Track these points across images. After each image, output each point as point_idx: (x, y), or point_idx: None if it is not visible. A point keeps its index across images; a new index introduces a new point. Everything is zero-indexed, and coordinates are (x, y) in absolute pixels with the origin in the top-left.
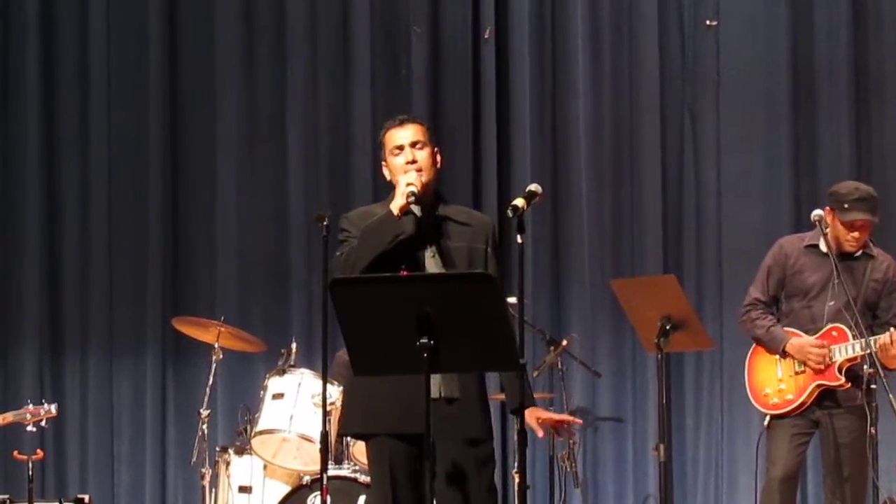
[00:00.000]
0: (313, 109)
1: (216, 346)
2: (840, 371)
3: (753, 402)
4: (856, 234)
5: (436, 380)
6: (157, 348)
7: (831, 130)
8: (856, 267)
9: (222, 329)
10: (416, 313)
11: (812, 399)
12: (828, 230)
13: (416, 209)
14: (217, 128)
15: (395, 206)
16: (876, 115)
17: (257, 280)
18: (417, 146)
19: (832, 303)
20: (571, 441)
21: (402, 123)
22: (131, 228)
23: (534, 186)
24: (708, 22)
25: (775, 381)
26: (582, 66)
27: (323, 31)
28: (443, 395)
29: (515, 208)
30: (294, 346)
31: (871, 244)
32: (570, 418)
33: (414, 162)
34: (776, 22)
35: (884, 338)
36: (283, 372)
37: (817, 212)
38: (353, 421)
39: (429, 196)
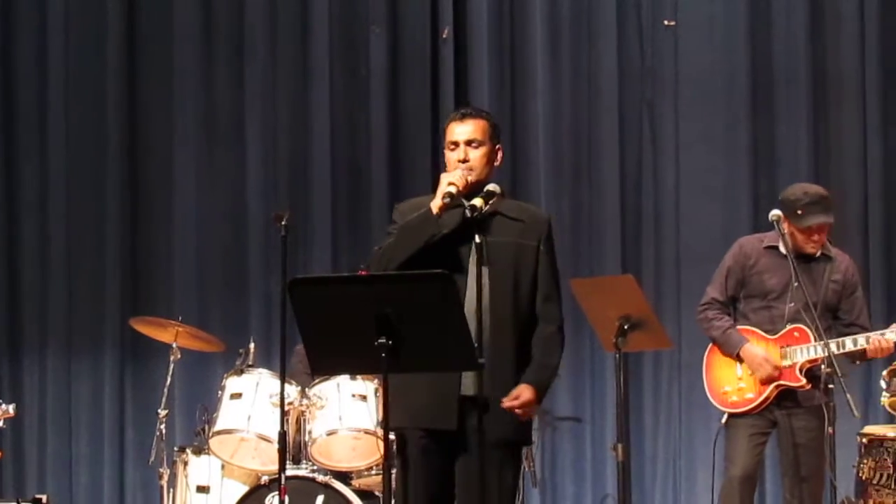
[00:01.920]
0: (272, 109)
1: (174, 345)
2: (801, 372)
3: (712, 399)
4: (815, 237)
5: (469, 378)
6: (116, 348)
7: (789, 130)
8: (815, 269)
9: (180, 329)
10: (375, 313)
11: (772, 398)
12: (785, 232)
13: (469, 203)
14: (175, 128)
15: (434, 205)
16: (834, 115)
17: (215, 280)
18: (473, 145)
19: (792, 304)
20: None
21: (462, 118)
22: (89, 228)
23: (492, 186)
24: (666, 21)
25: (735, 380)
26: (541, 65)
27: (281, 30)
28: (473, 393)
29: (474, 208)
30: (252, 345)
31: (828, 245)
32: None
33: (465, 161)
34: (734, 22)
35: (872, 343)
36: (241, 372)
37: (775, 212)
38: (392, 415)
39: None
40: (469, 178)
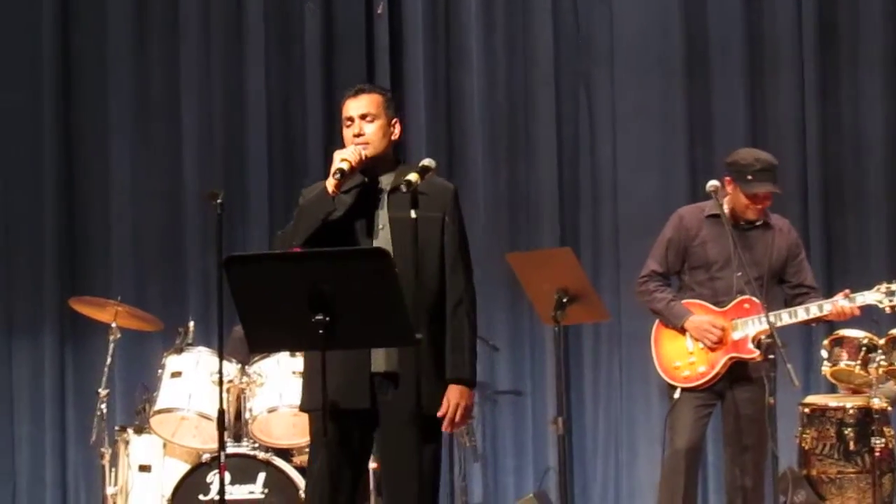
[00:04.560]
0: (207, 87)
1: (113, 325)
2: (753, 343)
3: (662, 374)
4: (759, 205)
5: (378, 355)
6: (55, 329)
7: (725, 99)
8: (757, 237)
9: (119, 308)
10: (311, 290)
11: (724, 371)
12: (726, 199)
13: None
14: (110, 105)
15: (329, 183)
16: (770, 83)
17: (153, 259)
18: (367, 118)
19: (739, 273)
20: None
21: (356, 94)
22: (26, 209)
23: (427, 161)
24: None
25: (685, 354)
26: (476, 38)
27: (216, 7)
28: (384, 370)
29: (409, 183)
30: (191, 324)
31: (767, 211)
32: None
33: (360, 135)
34: None
35: (835, 309)
36: (180, 350)
37: (713, 182)
38: (305, 398)
39: (385, 167)
40: (365, 153)
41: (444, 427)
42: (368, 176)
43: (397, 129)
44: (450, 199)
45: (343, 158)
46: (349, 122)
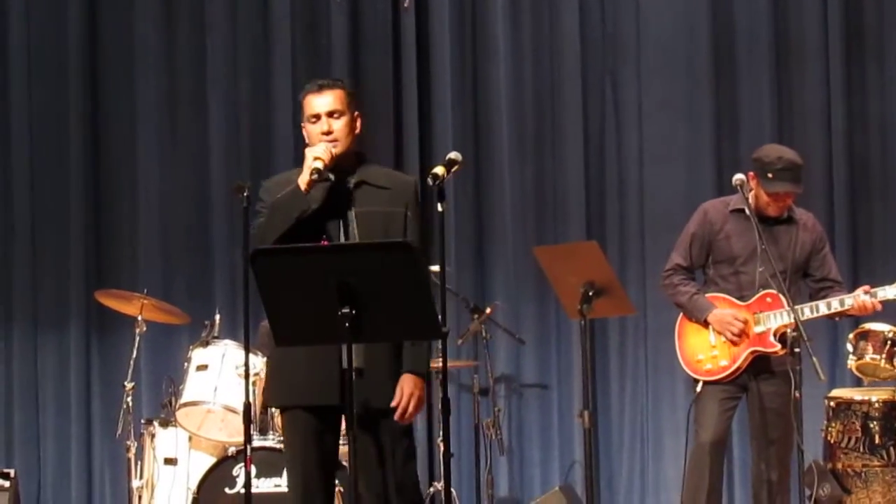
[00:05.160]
0: (234, 81)
1: (139, 318)
2: (775, 337)
3: (685, 367)
4: (779, 203)
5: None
6: (81, 321)
7: (752, 93)
8: (781, 232)
9: (145, 301)
10: (338, 283)
11: (745, 366)
12: (750, 194)
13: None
14: (137, 99)
15: (302, 181)
16: (796, 78)
17: (180, 252)
18: (335, 115)
19: (762, 268)
20: (496, 409)
21: (320, 89)
22: (53, 202)
23: (453, 154)
24: None
25: (708, 348)
26: (503, 33)
27: (243, 1)
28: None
29: (435, 176)
30: (217, 317)
31: (792, 206)
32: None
33: (329, 133)
34: None
35: (856, 303)
36: (206, 343)
37: (738, 176)
38: (273, 394)
39: (349, 162)
40: (334, 151)
41: (397, 417)
42: (333, 172)
43: (359, 124)
44: (412, 193)
45: (316, 157)
46: (315, 119)
